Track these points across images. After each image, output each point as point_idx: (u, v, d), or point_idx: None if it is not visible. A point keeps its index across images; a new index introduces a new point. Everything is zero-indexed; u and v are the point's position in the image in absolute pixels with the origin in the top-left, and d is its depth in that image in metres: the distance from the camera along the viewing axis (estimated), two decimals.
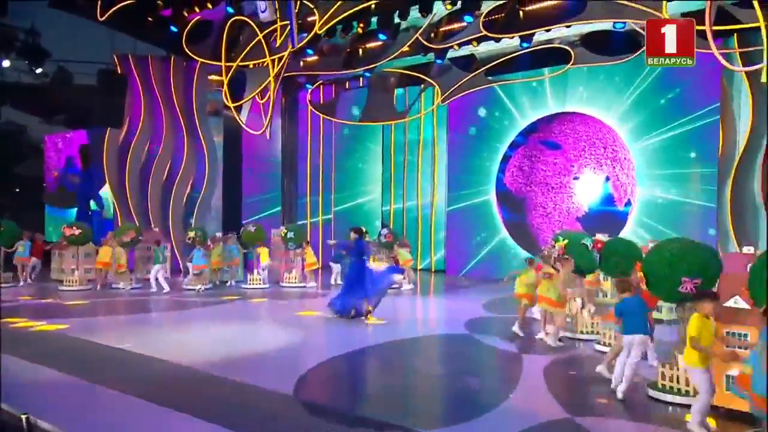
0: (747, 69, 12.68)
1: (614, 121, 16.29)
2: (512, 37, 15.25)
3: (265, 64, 16.42)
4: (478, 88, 17.70)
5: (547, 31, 14.85)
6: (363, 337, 9.59)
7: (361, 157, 21.51)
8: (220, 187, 20.27)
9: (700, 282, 6.11)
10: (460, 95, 17.85)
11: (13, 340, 8.77)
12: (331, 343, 9.15)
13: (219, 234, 16.98)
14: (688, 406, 5.72)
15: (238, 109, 17.63)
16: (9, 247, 15.67)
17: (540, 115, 17.45)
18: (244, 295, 14.37)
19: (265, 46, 16.28)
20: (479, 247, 18.61)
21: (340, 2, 13.95)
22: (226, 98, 17.52)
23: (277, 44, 16.12)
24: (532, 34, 15.09)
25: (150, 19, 16.41)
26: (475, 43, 16.08)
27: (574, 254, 8.77)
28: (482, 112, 18.57)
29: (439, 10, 15.04)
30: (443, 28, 16.12)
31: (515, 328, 9.68)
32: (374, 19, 15.70)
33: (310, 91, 20.37)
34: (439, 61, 17.01)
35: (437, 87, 18.16)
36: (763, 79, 11.33)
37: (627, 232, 15.96)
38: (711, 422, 5.54)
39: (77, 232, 15.16)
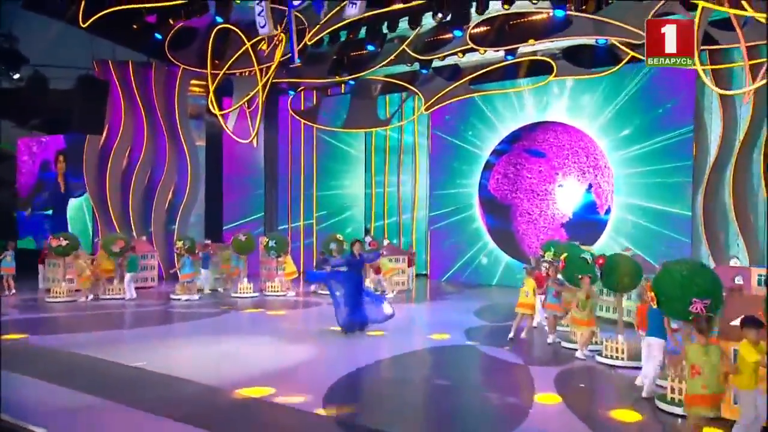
0: (734, 92, 13.21)
1: (594, 131, 16.91)
2: (498, 51, 15.68)
3: (252, 73, 16.45)
4: (462, 97, 18.12)
5: (532, 45, 15.36)
6: (371, 351, 9.82)
7: (343, 162, 21.65)
8: (202, 193, 20.22)
9: (709, 303, 6.58)
10: (443, 104, 18.27)
11: (21, 357, 8.80)
12: (345, 358, 9.31)
13: (208, 241, 16.96)
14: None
15: (225, 117, 17.59)
16: None
17: (521, 123, 17.98)
18: (236, 305, 14.46)
19: (252, 55, 16.31)
20: (461, 252, 19.05)
21: (332, 14, 14.08)
22: (213, 106, 17.48)
23: (266, 54, 16.18)
24: (517, 47, 15.56)
25: (135, 26, 16.18)
26: (460, 54, 16.45)
27: (573, 268, 9.21)
28: (463, 119, 18.99)
29: (428, 21, 15.36)
30: (429, 39, 16.50)
31: (512, 335, 10.26)
32: (363, 29, 15.91)
33: (290, 98, 20.46)
34: (424, 71, 17.33)
35: (420, 95, 18.52)
36: (745, 100, 11.97)
37: (605, 238, 16.68)
38: None
39: (64, 243, 14.94)
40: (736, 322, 6.41)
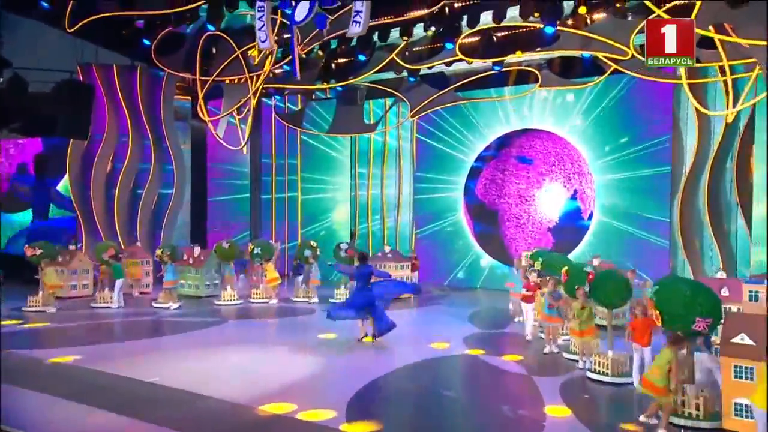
0: (719, 113, 13.80)
1: (576, 139, 17.50)
2: (486, 62, 16.08)
3: (243, 80, 16.52)
4: (448, 104, 18.49)
5: (519, 57, 15.80)
6: (378, 362, 10.07)
7: (329, 165, 21.81)
8: (188, 198, 20.20)
9: (711, 321, 7.08)
10: (429, 111, 18.62)
11: (31, 374, 8.86)
12: (355, 370, 9.54)
13: (197, 248, 17.01)
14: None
15: (214, 123, 17.63)
16: None
17: (506, 130, 18.48)
18: (225, 312, 14.59)
19: (243, 63, 16.38)
20: (447, 256, 19.49)
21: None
22: (202, 113, 17.48)
23: (255, 62, 16.27)
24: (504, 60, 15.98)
25: (124, 32, 16.09)
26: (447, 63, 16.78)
27: (576, 281, 9.63)
28: (448, 125, 19.39)
29: (418, 32, 15.64)
30: (418, 49, 16.79)
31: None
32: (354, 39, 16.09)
33: (274, 103, 20.54)
34: (412, 79, 17.63)
35: (407, 101, 18.83)
36: (729, 120, 12.61)
37: (583, 245, 17.32)
38: None
39: (38, 252, 14.70)
40: (736, 340, 6.96)
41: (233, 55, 16.43)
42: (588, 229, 17.30)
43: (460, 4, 13.87)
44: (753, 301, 8.66)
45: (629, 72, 14.40)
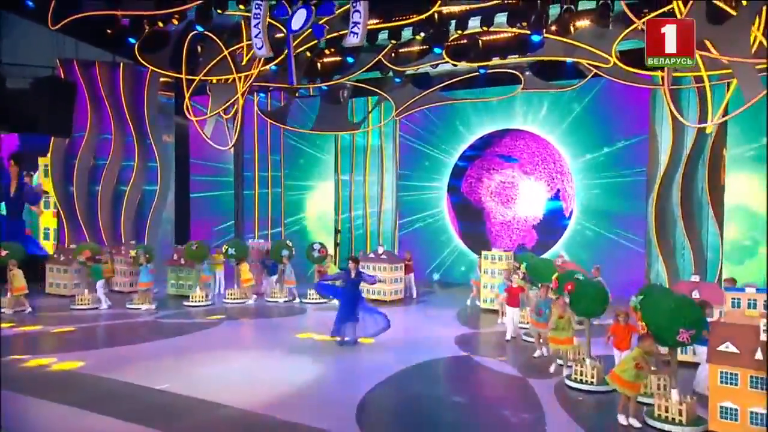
0: (701, 125, 14.37)
1: (556, 139, 18.07)
2: (472, 65, 16.43)
3: (230, 80, 16.56)
4: (432, 104, 18.82)
5: (503, 59, 16.19)
6: (377, 365, 10.33)
7: (311, 163, 21.97)
8: (173, 196, 20.16)
9: (694, 333, 7.63)
10: (414, 111, 18.93)
11: (37, 383, 9.00)
12: (357, 375, 9.81)
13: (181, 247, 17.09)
14: None
15: (201, 123, 17.63)
16: None
17: (489, 130, 18.97)
18: (201, 314, 14.70)
19: (231, 64, 16.41)
20: (431, 253, 19.94)
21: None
22: (189, 113, 17.47)
23: (243, 62, 16.31)
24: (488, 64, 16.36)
25: (109, 30, 15.95)
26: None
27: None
28: (432, 124, 19.75)
29: (406, 34, 15.87)
30: (405, 50, 17.02)
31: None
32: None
33: (256, 100, 20.55)
34: (397, 80, 17.89)
35: (391, 101, 19.08)
36: (709, 131, 13.22)
37: (566, 238, 17.96)
38: None
39: (3, 253, 14.47)
40: (722, 348, 7.53)
41: (221, 56, 16.42)
42: (567, 227, 17.94)
43: (449, 11, 14.14)
44: (736, 308, 9.23)
45: (609, 77, 14.90)
